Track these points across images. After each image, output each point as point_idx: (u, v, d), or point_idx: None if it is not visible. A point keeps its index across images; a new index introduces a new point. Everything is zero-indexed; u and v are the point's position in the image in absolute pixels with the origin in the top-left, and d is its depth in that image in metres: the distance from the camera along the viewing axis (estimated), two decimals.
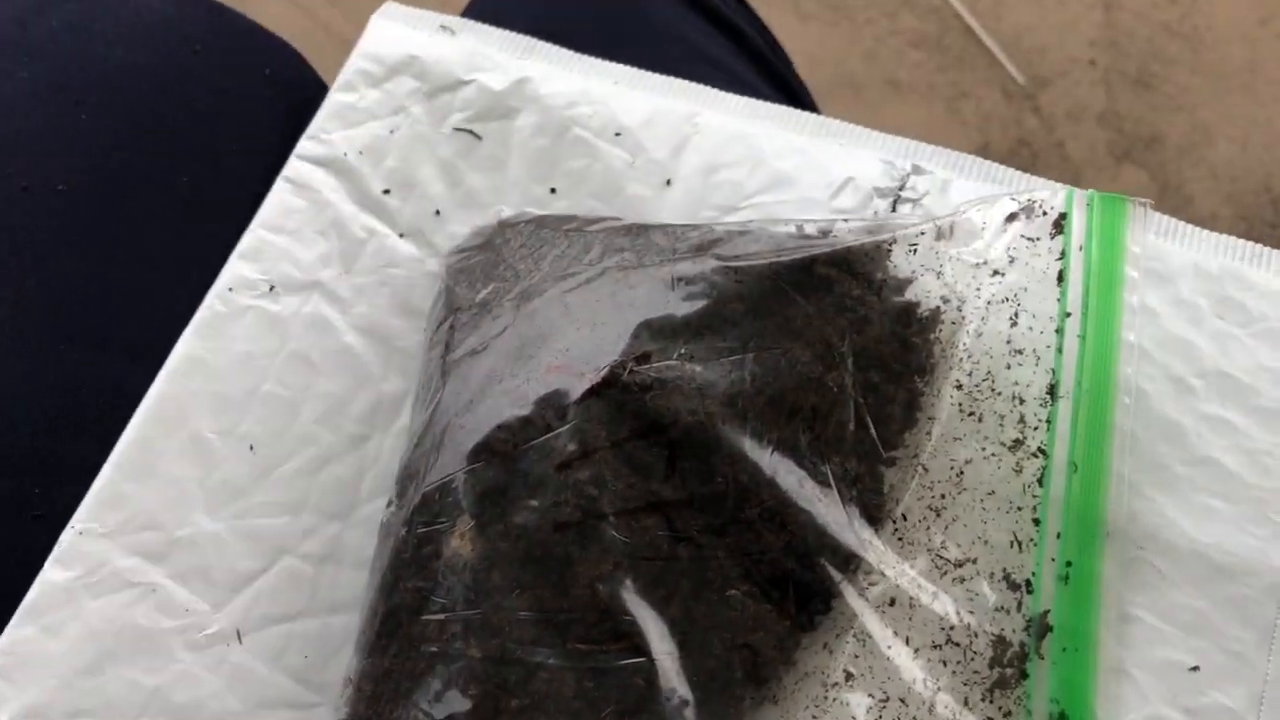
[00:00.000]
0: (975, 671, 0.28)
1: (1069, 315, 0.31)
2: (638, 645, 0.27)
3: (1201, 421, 0.32)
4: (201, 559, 0.32)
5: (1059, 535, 0.29)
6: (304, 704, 0.31)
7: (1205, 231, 0.36)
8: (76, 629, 0.31)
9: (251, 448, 0.34)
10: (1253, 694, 0.29)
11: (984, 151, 1.17)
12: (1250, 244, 0.35)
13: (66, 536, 0.32)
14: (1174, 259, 0.35)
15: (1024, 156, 1.18)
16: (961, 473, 0.30)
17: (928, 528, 0.29)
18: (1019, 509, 0.30)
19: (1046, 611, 0.29)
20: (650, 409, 0.28)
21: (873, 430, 0.29)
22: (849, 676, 0.28)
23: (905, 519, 0.29)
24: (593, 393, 0.28)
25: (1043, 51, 1.19)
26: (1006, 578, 0.29)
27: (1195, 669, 0.30)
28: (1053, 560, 0.29)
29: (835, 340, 0.30)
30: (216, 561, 0.32)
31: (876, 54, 1.20)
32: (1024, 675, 0.28)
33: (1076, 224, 0.31)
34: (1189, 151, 1.15)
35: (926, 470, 0.30)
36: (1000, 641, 0.29)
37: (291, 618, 0.32)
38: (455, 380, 0.30)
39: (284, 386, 0.34)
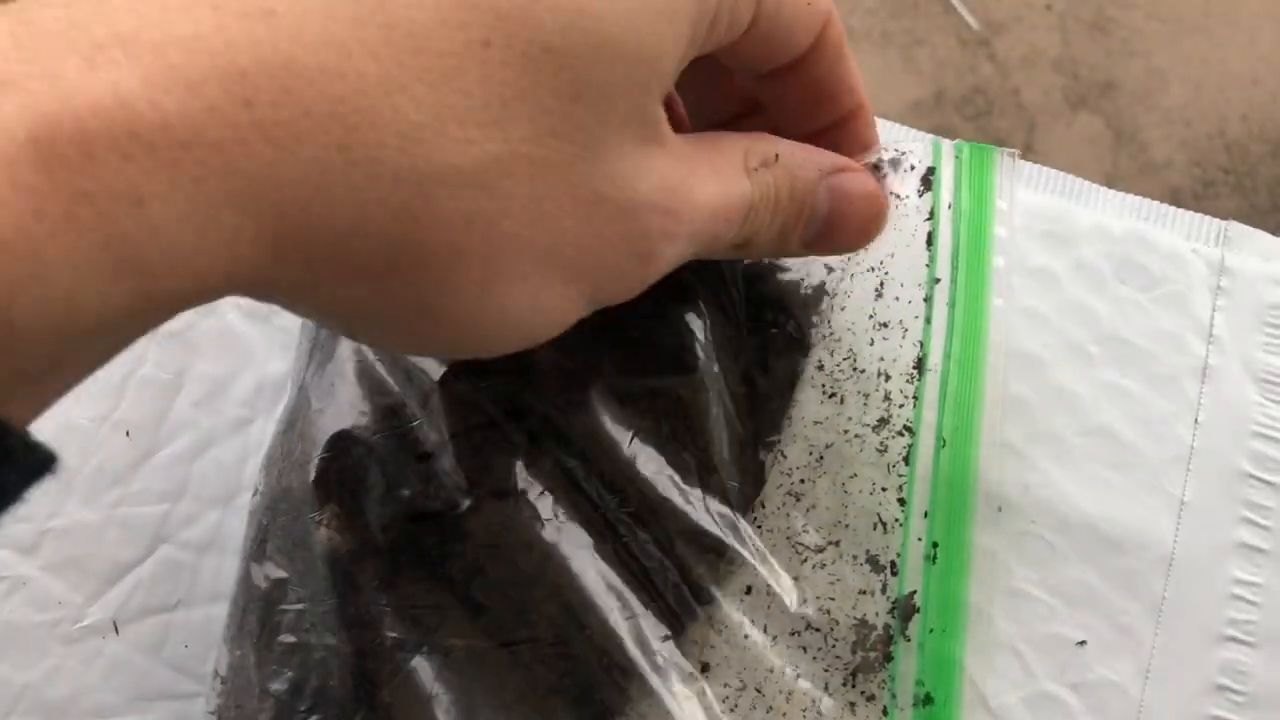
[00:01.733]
0: (837, 656, 0.28)
1: (938, 282, 0.30)
2: (510, 638, 0.27)
3: (1099, 389, 0.32)
4: (76, 549, 0.31)
5: (926, 514, 0.28)
6: (185, 694, 0.31)
7: (1110, 191, 0.35)
8: None
9: (128, 433, 0.33)
10: (1139, 667, 0.29)
11: (938, 99, 1.15)
12: (1155, 203, 0.34)
13: None
14: (1078, 221, 0.34)
15: (978, 104, 1.16)
16: (821, 457, 0.29)
17: (787, 514, 0.29)
18: (883, 490, 0.29)
19: (913, 593, 0.28)
20: (512, 394, 0.27)
21: (736, 418, 0.29)
22: (705, 667, 0.28)
23: (764, 506, 0.29)
24: (453, 377, 0.27)
25: None
26: (871, 560, 0.28)
27: (1083, 643, 0.29)
28: (919, 540, 0.28)
29: (697, 322, 0.29)
30: (92, 552, 0.31)
31: None
32: (888, 658, 0.28)
33: (945, 179, 0.30)
34: (1144, 97, 1.14)
35: (785, 456, 0.29)
36: (863, 625, 0.28)
37: (171, 607, 0.31)
38: (320, 361, 0.29)
39: (162, 369, 0.33)
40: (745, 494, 0.28)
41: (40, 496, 0.32)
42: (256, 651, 0.26)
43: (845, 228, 0.26)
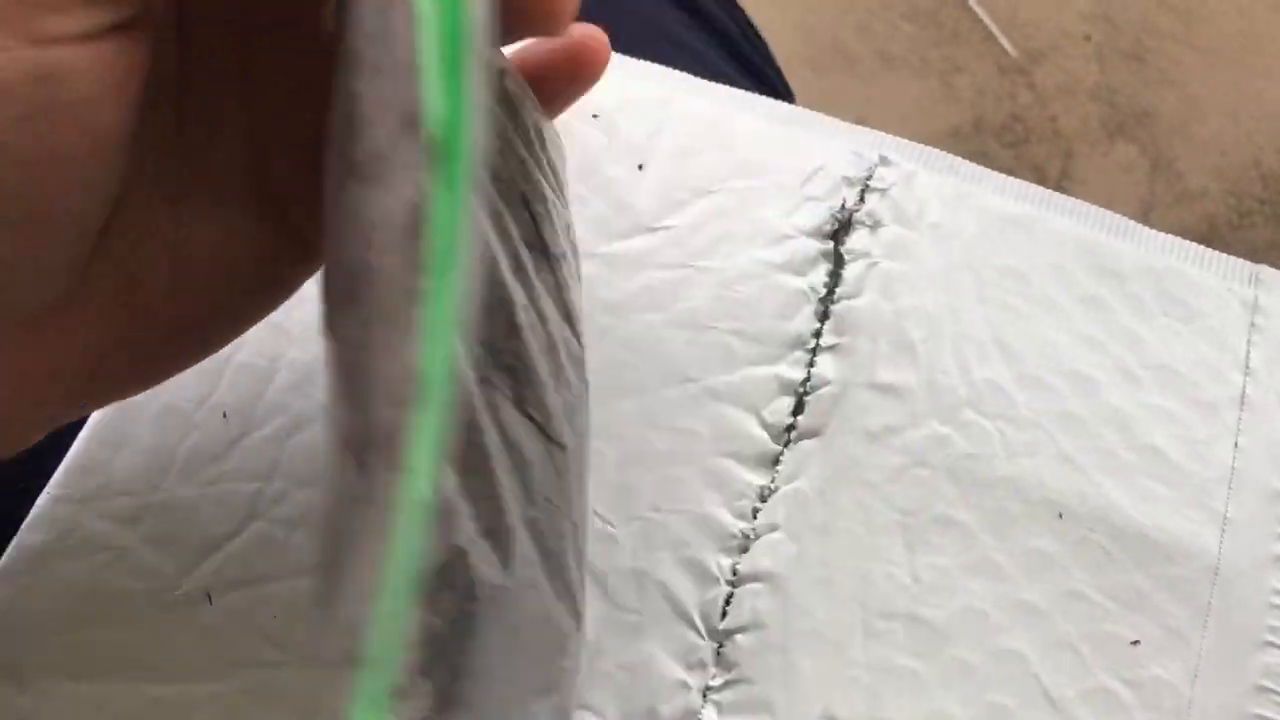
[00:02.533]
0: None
1: None
2: None
3: (1146, 411, 0.33)
4: (173, 523, 0.33)
5: None
6: (273, 663, 0.32)
7: (1153, 232, 0.37)
8: (50, 590, 0.32)
9: (224, 415, 0.34)
10: (1188, 668, 0.30)
11: (977, 126, 1.17)
12: (1194, 245, 0.37)
13: (41, 502, 0.33)
14: (1126, 257, 0.36)
15: (1016, 131, 1.18)
16: None
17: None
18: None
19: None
20: None
21: None
22: None
23: None
24: None
25: (1037, 25, 1.19)
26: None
27: (1136, 643, 0.31)
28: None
29: None
30: (188, 526, 0.33)
31: (870, 26, 1.20)
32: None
33: None
34: (1180, 126, 1.15)
35: None
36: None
37: (262, 581, 0.33)
38: None
39: (258, 355, 0.35)
40: None
41: (142, 472, 0.34)
42: None
43: None
